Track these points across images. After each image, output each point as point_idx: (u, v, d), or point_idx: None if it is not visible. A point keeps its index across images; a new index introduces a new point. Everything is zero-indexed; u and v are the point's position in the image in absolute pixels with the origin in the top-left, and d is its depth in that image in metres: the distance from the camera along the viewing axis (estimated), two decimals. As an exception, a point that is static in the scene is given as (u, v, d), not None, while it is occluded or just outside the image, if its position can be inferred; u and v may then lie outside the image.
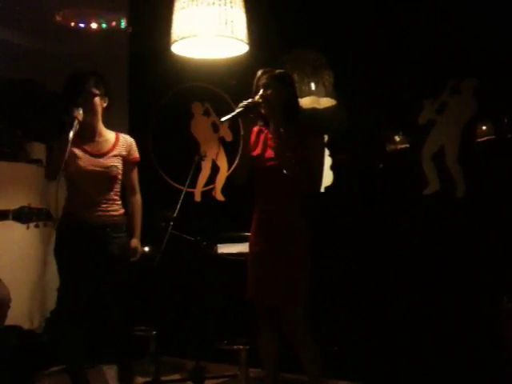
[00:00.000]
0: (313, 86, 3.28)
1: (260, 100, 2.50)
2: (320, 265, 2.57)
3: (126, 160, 2.70)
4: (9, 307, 2.74)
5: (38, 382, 3.12)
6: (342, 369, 3.08)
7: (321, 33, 3.31)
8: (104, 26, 4.19)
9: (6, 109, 3.46)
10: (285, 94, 2.56)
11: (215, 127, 3.78)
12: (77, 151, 2.61)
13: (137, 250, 2.70)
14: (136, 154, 2.75)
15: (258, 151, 2.60)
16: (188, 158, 3.34)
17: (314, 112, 3.20)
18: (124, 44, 4.04)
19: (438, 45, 2.99)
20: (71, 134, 2.46)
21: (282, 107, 2.56)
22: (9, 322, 2.97)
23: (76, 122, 2.48)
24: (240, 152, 2.56)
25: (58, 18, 4.15)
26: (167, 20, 2.63)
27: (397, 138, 3.17)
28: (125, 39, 4.05)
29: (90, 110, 2.59)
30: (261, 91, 2.53)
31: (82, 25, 4.22)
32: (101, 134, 2.69)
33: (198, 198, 3.77)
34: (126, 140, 2.74)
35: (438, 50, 2.99)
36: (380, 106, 3.14)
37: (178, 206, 3.00)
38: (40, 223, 2.48)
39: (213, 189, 3.72)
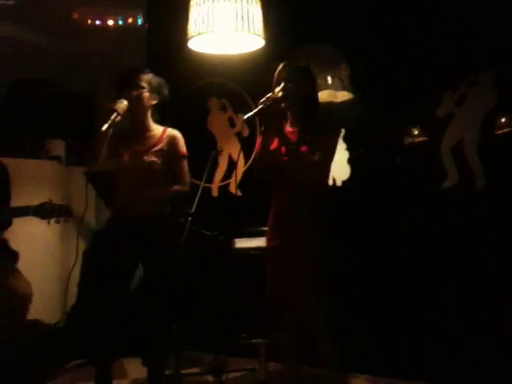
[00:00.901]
0: (329, 79, 3.27)
1: (280, 94, 2.49)
2: (338, 260, 2.57)
3: (170, 154, 2.69)
4: (30, 302, 2.78)
5: (59, 376, 3.16)
6: (361, 363, 3.08)
7: (337, 26, 3.30)
8: (121, 23, 4.21)
9: (26, 108, 3.51)
10: (306, 87, 2.56)
11: (232, 122, 3.79)
12: (123, 148, 2.64)
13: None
14: (181, 148, 2.72)
15: (274, 146, 2.60)
16: (205, 153, 3.35)
17: (330, 106, 3.19)
18: (141, 41, 4.06)
19: (457, 36, 2.95)
20: (105, 126, 2.48)
21: (302, 101, 2.56)
22: (30, 316, 3.02)
23: (115, 115, 2.50)
24: (259, 148, 2.55)
25: (75, 17, 4.19)
26: (184, 16, 2.64)
27: (415, 132, 3.15)
28: (142, 36, 4.07)
29: (136, 104, 2.61)
30: (282, 84, 2.51)
31: (98, 22, 4.25)
32: (148, 130, 2.70)
33: (215, 193, 3.79)
34: (170, 135, 2.72)
35: (457, 41, 2.95)
36: (398, 99, 3.11)
37: (196, 202, 3.01)
38: (60, 219, 2.51)
39: (229, 184, 3.74)
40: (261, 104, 2.45)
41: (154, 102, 2.69)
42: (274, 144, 2.59)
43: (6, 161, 2.82)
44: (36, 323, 3.13)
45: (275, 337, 2.62)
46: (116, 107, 2.51)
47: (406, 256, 3.08)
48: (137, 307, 2.66)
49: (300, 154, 2.46)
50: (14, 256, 2.79)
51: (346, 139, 3.24)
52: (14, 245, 2.75)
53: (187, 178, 2.76)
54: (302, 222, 2.50)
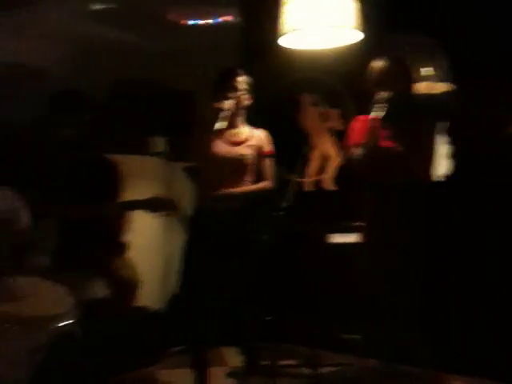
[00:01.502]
0: (427, 71, 3.19)
1: (391, 92, 2.48)
2: (440, 256, 2.51)
3: (259, 151, 2.84)
4: (137, 289, 2.95)
5: (161, 361, 3.32)
6: (460, 363, 2.99)
7: (434, 15, 3.20)
8: (216, 21, 4.32)
9: (130, 107, 3.71)
10: (403, 82, 2.53)
11: (325, 117, 3.79)
12: (216, 140, 2.75)
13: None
14: (269, 146, 2.89)
15: (367, 140, 2.58)
16: (297, 148, 3.39)
17: (429, 98, 3.11)
18: (236, 38, 4.14)
19: None
20: (220, 124, 2.64)
21: (402, 96, 2.54)
22: (136, 302, 3.19)
23: (223, 114, 2.63)
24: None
25: (172, 16, 4.34)
26: (278, 12, 2.69)
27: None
28: (237, 34, 4.16)
29: (235, 103, 2.74)
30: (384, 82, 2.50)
31: (194, 21, 4.38)
32: (239, 126, 2.87)
33: (308, 187, 3.81)
34: (261, 134, 2.91)
35: None
36: (501, 87, 2.97)
37: (290, 196, 3.05)
38: (166, 213, 2.67)
39: (323, 179, 3.74)
40: (382, 101, 2.46)
41: (248, 103, 2.79)
42: (368, 138, 2.58)
43: (115, 158, 3.04)
44: (141, 309, 3.32)
45: (371, 333, 2.61)
46: (223, 106, 2.64)
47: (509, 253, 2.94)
48: (235, 297, 2.76)
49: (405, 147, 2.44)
50: (122, 246, 2.99)
51: (447, 132, 3.13)
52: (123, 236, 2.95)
53: (273, 175, 2.85)
54: (402, 217, 2.48)
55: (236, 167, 2.78)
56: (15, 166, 2.71)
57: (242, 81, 2.79)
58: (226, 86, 2.74)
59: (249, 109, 2.88)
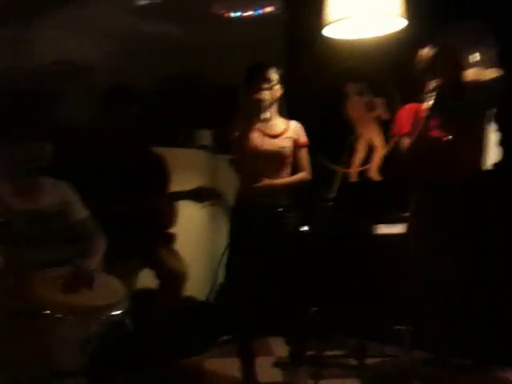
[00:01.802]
0: (476, 57, 3.09)
1: (440, 81, 2.44)
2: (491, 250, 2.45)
3: (295, 143, 2.84)
4: (185, 279, 3.02)
5: (209, 350, 3.39)
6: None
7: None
8: (259, 13, 4.31)
9: (176, 101, 3.78)
10: (456, 70, 2.47)
11: (370, 107, 3.74)
12: (253, 132, 2.79)
13: None
14: (304, 137, 2.88)
15: (414, 129, 2.54)
16: (343, 138, 3.36)
17: (478, 84, 3.02)
18: (280, 30, 4.13)
19: None
20: (266, 114, 2.70)
21: (450, 84, 2.48)
22: (183, 293, 3.26)
23: (261, 106, 2.66)
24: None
25: (215, 10, 4.36)
26: (320, 2, 2.67)
27: None
28: (280, 25, 4.14)
29: (269, 95, 2.76)
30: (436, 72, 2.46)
31: (237, 14, 4.38)
32: (274, 118, 2.87)
33: (353, 178, 3.78)
34: (295, 125, 2.89)
35: None
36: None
37: (336, 187, 3.04)
38: (212, 202, 2.72)
39: (368, 169, 3.70)
40: (430, 90, 2.42)
41: (279, 94, 2.80)
42: (417, 129, 2.54)
43: (162, 151, 3.12)
44: (189, 299, 3.39)
45: (420, 324, 2.58)
46: (261, 98, 2.66)
47: None
48: (281, 288, 2.78)
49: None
50: (170, 237, 3.07)
51: (496, 119, 3.04)
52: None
53: (309, 166, 2.87)
54: (452, 209, 2.43)
55: (275, 160, 2.77)
56: (68, 160, 2.81)
57: (273, 72, 2.78)
58: (258, 79, 2.74)
59: (282, 100, 2.87)
